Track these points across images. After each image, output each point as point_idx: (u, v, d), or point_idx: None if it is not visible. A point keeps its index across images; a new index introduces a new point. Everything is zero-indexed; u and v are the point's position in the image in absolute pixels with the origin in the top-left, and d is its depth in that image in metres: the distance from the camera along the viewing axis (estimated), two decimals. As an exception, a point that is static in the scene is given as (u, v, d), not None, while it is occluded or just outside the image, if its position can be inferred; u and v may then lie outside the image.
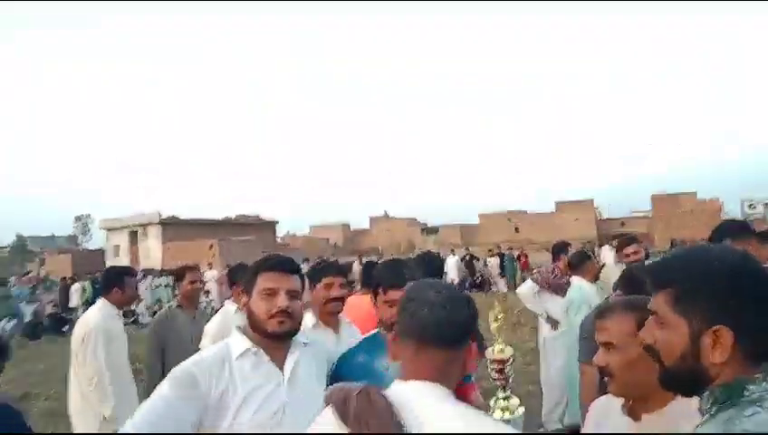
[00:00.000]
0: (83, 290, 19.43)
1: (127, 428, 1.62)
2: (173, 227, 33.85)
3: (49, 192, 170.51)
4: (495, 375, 1.86)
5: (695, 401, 1.08)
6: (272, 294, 1.85)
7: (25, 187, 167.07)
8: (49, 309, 16.35)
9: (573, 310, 4.36)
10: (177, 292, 4.66)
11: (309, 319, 2.73)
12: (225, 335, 2.17)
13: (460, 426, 1.18)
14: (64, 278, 21.25)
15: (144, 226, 34.43)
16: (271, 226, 41.99)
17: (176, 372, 1.75)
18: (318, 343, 2.09)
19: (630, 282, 2.56)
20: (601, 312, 1.60)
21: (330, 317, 2.74)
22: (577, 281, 4.66)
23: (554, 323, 5.27)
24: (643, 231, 37.84)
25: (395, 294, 1.98)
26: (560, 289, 5.11)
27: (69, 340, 4.03)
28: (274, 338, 1.84)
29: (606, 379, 1.56)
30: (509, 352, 1.85)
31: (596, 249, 22.34)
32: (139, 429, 1.61)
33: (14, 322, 16.01)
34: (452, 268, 19.19)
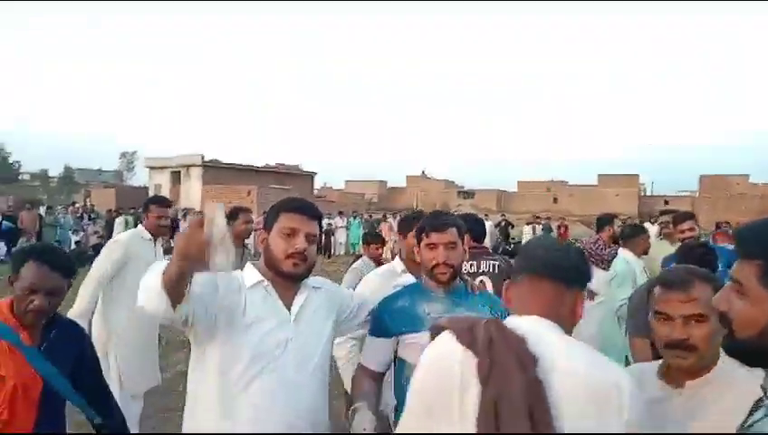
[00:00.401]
0: (126, 223, 20.10)
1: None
2: (214, 171, 34.43)
3: (99, 128, 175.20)
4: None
5: (737, 364, 1.06)
6: (291, 234, 1.88)
7: (76, 120, 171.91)
8: (93, 239, 16.96)
9: (617, 282, 4.28)
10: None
11: (398, 264, 2.88)
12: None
13: (590, 364, 1.24)
14: (110, 211, 21.97)
15: (186, 167, 35.10)
16: (309, 177, 42.31)
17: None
18: (332, 289, 2.14)
19: (688, 256, 2.52)
20: (674, 283, 1.48)
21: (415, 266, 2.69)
22: (625, 254, 4.54)
23: (591, 295, 5.16)
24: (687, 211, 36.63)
25: (436, 237, 2.08)
26: (602, 261, 4.99)
27: None
28: (286, 278, 1.89)
29: (659, 350, 1.50)
30: None
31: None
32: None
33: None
34: (488, 234, 19.03)
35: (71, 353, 2.12)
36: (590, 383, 1.21)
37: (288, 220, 1.89)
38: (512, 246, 19.77)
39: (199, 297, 1.70)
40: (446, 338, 1.31)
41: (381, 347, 2.10)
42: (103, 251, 3.84)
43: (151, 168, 38.75)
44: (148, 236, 3.91)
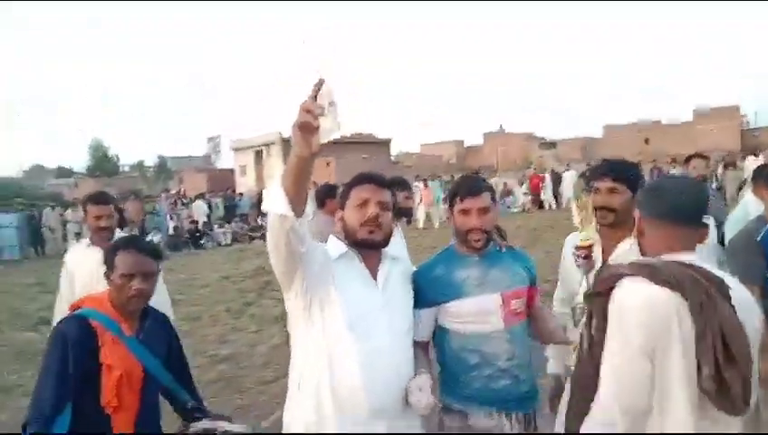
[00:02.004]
0: (209, 206, 21.10)
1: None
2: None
3: (186, 115, 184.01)
4: (580, 262, 2.03)
5: None
6: (364, 204, 1.94)
7: (165, 110, 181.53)
8: (186, 224, 17.94)
9: (729, 229, 3.45)
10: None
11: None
12: None
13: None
14: (201, 194, 23.11)
15: (268, 145, 36.17)
16: (385, 144, 42.31)
17: None
18: (406, 261, 2.18)
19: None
20: None
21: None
22: (749, 197, 3.63)
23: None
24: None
25: (470, 202, 2.07)
26: None
27: (207, 252, 4.39)
28: (365, 246, 1.96)
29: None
30: (593, 239, 2.05)
31: (737, 162, 20.06)
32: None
33: (159, 235, 17.90)
34: (568, 185, 18.28)
35: (164, 342, 2.27)
36: (756, 311, 1.46)
37: (358, 192, 1.97)
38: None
39: (314, 247, 1.86)
40: (640, 282, 1.41)
41: (425, 318, 2.11)
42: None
43: (236, 149, 40.29)
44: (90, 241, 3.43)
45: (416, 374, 1.94)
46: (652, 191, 1.62)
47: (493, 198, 2.13)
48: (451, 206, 2.16)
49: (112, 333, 2.07)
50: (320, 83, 1.54)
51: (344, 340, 1.85)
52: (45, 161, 77.67)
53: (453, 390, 2.09)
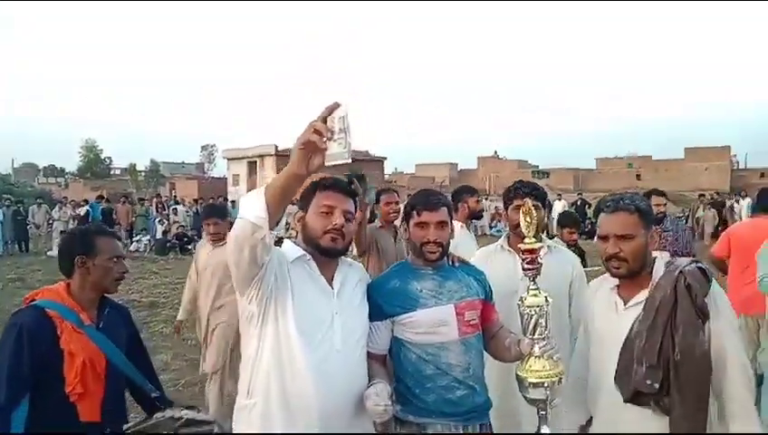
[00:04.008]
0: (196, 212, 20.98)
1: None
2: (287, 160, 34.79)
3: (181, 122, 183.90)
4: (526, 266, 1.94)
5: None
6: (329, 212, 1.93)
7: (160, 116, 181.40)
8: (174, 229, 17.82)
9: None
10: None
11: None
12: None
13: None
14: (195, 200, 23.04)
15: (261, 157, 36.15)
16: (379, 162, 42.43)
17: None
18: (360, 267, 2.20)
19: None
20: None
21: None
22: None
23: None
24: (787, 184, 33.69)
25: (428, 216, 2.10)
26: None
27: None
28: (325, 253, 1.95)
29: None
30: (538, 244, 1.97)
31: (727, 202, 20.26)
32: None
33: (147, 237, 17.76)
34: (558, 214, 18.30)
35: (124, 332, 2.25)
36: None
37: (325, 198, 1.95)
38: (589, 226, 18.93)
39: (276, 254, 1.85)
40: None
41: (382, 330, 2.11)
42: None
43: (229, 159, 40.22)
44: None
45: (373, 383, 1.92)
46: None
47: (450, 214, 2.17)
48: (408, 219, 2.18)
49: (71, 322, 2.04)
50: (335, 106, 1.53)
51: (297, 345, 1.82)
52: (37, 159, 76.91)
53: (409, 402, 2.08)
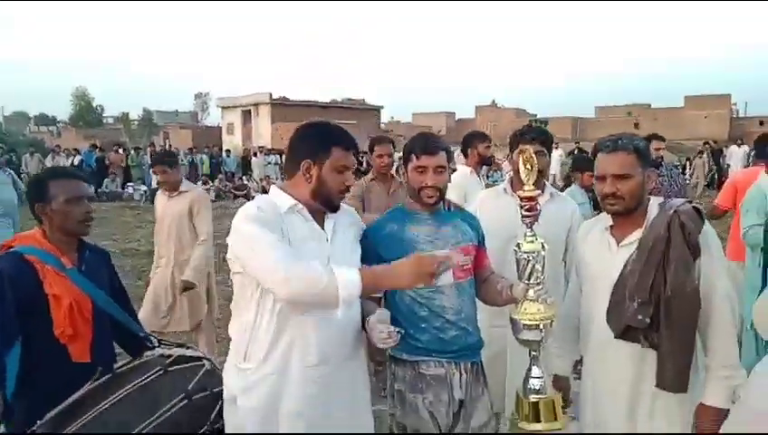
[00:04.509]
0: (201, 163, 20.86)
1: (274, 260, 1.73)
2: (282, 108, 34.72)
3: (174, 69, 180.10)
4: (524, 212, 1.95)
5: None
6: (344, 171, 1.94)
7: (153, 63, 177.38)
8: (171, 178, 17.71)
9: (744, 208, 3.68)
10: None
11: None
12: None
13: None
14: (190, 149, 22.80)
15: (256, 105, 35.61)
16: (375, 111, 41.89)
17: (250, 217, 1.84)
18: (351, 212, 2.20)
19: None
20: None
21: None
22: (762, 179, 3.74)
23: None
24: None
25: (426, 160, 2.10)
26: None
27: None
28: (332, 209, 1.98)
29: None
30: (537, 192, 1.98)
31: (724, 149, 20.15)
32: (284, 250, 1.75)
33: (143, 187, 17.70)
34: (555, 163, 18.23)
35: (105, 274, 2.24)
36: None
37: (342, 157, 1.96)
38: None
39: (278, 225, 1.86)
40: None
41: None
42: None
43: (223, 107, 39.63)
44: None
45: (375, 313, 1.95)
46: None
47: (448, 158, 2.17)
48: (406, 163, 2.17)
49: (53, 266, 2.02)
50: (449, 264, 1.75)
51: None
52: (28, 108, 75.63)
53: (403, 341, 2.08)
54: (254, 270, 1.80)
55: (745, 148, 17.17)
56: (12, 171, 6.99)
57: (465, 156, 4.70)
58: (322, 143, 1.95)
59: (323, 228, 1.97)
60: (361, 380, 2.06)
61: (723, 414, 1.79)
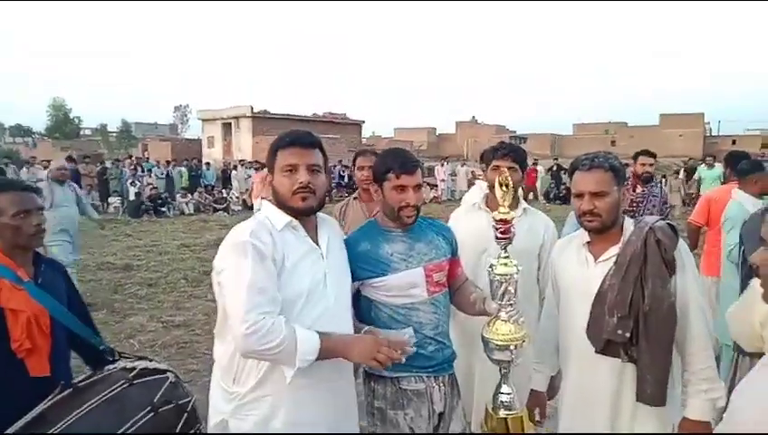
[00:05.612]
0: (180, 176, 20.63)
1: (245, 309, 1.67)
2: (263, 121, 34.57)
3: (154, 82, 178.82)
4: (499, 236, 1.93)
5: None
6: (292, 170, 1.86)
7: (133, 75, 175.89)
8: (147, 191, 17.49)
9: (727, 227, 3.76)
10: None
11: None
12: None
13: None
14: (168, 162, 22.50)
15: (237, 118, 35.45)
16: (357, 126, 42.01)
17: (239, 248, 1.76)
18: (334, 221, 2.16)
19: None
20: None
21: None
22: (738, 195, 3.89)
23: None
24: (756, 151, 34.40)
25: (406, 179, 2.06)
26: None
27: (168, 220, 4.27)
28: (301, 213, 1.90)
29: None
30: (512, 215, 1.96)
31: (698, 168, 20.55)
32: (262, 296, 1.70)
33: (119, 199, 17.44)
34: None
35: (62, 287, 2.19)
36: None
37: (286, 157, 1.88)
38: (563, 192, 19.08)
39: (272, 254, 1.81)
40: None
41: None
42: None
43: (204, 120, 39.39)
44: None
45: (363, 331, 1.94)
46: None
47: (423, 175, 2.16)
48: (382, 181, 2.11)
49: (9, 280, 1.98)
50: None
51: (295, 309, 1.80)
52: (3, 119, 74.32)
53: None
54: (227, 305, 1.77)
55: (718, 167, 17.43)
56: (76, 186, 6.75)
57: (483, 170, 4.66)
58: (271, 151, 1.93)
59: (318, 242, 1.94)
60: (351, 396, 2.04)
61: (706, 427, 1.84)
